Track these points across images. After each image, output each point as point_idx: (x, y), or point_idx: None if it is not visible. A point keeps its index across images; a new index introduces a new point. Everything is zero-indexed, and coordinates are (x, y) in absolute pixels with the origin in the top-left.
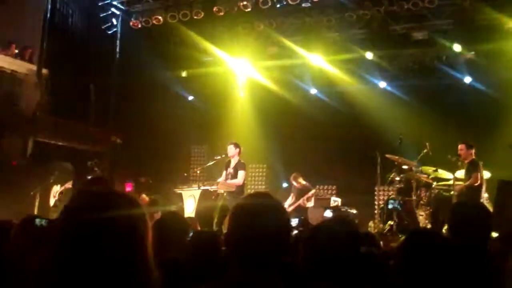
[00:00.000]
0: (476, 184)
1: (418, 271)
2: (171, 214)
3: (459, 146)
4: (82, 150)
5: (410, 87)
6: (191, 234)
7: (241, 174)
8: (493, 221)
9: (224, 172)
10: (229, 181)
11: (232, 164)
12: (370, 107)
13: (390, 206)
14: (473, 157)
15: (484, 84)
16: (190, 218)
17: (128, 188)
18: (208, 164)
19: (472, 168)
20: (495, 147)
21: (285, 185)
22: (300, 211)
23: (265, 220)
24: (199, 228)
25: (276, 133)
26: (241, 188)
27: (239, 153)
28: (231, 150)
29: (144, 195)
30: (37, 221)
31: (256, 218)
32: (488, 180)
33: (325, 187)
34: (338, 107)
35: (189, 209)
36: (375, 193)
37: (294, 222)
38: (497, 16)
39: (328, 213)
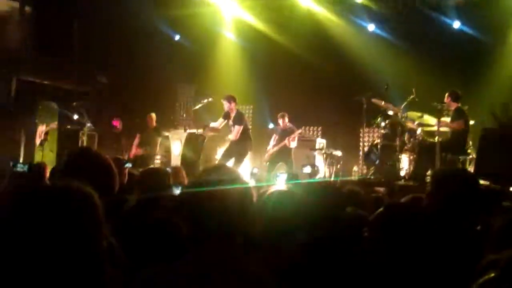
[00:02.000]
0: (461, 130)
1: (393, 244)
2: (152, 172)
3: (446, 94)
4: (67, 90)
5: (398, 30)
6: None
7: (236, 129)
8: (476, 168)
9: (221, 120)
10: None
11: (231, 117)
12: (358, 50)
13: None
14: (458, 105)
15: (473, 29)
16: (175, 168)
17: (115, 124)
18: (195, 108)
19: (457, 115)
20: (483, 93)
21: (271, 126)
22: (284, 152)
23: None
24: (185, 177)
25: (264, 75)
26: (245, 137)
27: (235, 105)
28: (226, 105)
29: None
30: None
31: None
32: (472, 127)
33: (311, 128)
34: (326, 49)
35: (176, 151)
36: (360, 135)
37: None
38: None
39: (307, 170)
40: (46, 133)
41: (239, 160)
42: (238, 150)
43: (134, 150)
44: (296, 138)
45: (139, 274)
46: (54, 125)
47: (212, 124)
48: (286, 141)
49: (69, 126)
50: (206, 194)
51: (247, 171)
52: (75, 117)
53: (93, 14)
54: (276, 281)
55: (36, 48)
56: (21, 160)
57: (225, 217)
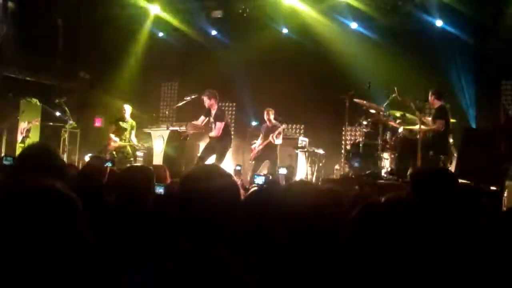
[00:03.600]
0: (442, 130)
1: (371, 245)
2: (134, 170)
3: (430, 93)
4: (50, 86)
5: (381, 29)
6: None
7: (218, 126)
8: (457, 168)
9: (202, 117)
10: (210, 134)
11: (212, 113)
12: (340, 48)
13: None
14: (441, 103)
15: (455, 28)
16: (157, 166)
17: (98, 124)
18: (178, 105)
19: (438, 114)
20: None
21: (254, 123)
22: (270, 149)
23: (214, 194)
24: (167, 176)
25: (246, 72)
26: (226, 133)
27: (216, 101)
28: (206, 102)
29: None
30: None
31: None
32: (453, 125)
33: (293, 126)
34: (309, 47)
35: (158, 149)
36: (343, 133)
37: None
38: None
39: (283, 171)
40: (28, 130)
41: (220, 157)
42: (219, 147)
43: (111, 142)
44: (281, 135)
45: (116, 281)
46: (36, 121)
47: (194, 122)
48: (270, 138)
49: (51, 123)
50: (199, 192)
51: (230, 168)
52: (57, 114)
53: (77, 11)
54: (257, 281)
55: (19, 45)
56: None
57: (217, 217)
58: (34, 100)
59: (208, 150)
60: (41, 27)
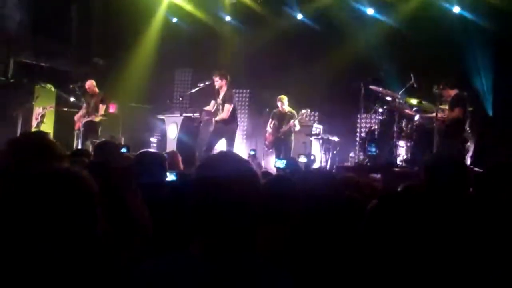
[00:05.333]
0: (459, 119)
1: (388, 238)
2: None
3: (441, 85)
4: (64, 72)
5: (398, 15)
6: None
7: (226, 107)
8: (473, 156)
9: (213, 102)
10: (216, 118)
11: (221, 95)
12: (356, 34)
13: (370, 150)
14: (456, 91)
15: (473, 13)
16: (171, 153)
17: (112, 109)
18: (192, 91)
19: (456, 102)
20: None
21: (267, 110)
22: (286, 135)
23: (230, 188)
24: (180, 163)
25: (261, 59)
26: (233, 116)
27: (227, 83)
28: (217, 82)
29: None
30: None
31: (221, 185)
32: (470, 113)
33: (303, 111)
34: (324, 33)
35: (171, 135)
36: (358, 120)
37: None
38: None
39: (303, 159)
40: (43, 115)
41: (231, 141)
42: (228, 130)
43: (77, 120)
44: (297, 121)
45: (139, 266)
46: (51, 107)
47: (207, 108)
48: (291, 124)
49: (65, 109)
50: (220, 182)
51: (244, 153)
52: (72, 99)
53: None
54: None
55: (34, 30)
56: None
57: (238, 208)
58: (49, 86)
59: (216, 135)
60: (55, 13)
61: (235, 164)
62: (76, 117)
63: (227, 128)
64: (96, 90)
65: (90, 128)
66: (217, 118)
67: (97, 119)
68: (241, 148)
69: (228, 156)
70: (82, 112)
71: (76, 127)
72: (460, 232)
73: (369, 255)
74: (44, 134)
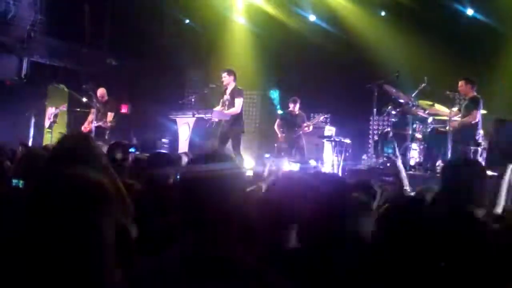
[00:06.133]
0: (474, 122)
1: (400, 245)
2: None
3: (460, 83)
4: (77, 72)
5: (411, 17)
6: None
7: (238, 102)
8: (487, 159)
9: (221, 100)
10: (226, 111)
11: (228, 90)
12: (369, 36)
13: (387, 151)
14: (474, 93)
15: (487, 16)
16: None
17: (124, 110)
18: (204, 92)
19: (472, 105)
20: (496, 82)
21: (279, 112)
22: (298, 137)
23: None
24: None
25: (273, 60)
26: (238, 115)
27: (234, 79)
28: (225, 78)
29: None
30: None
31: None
32: (483, 116)
33: (320, 115)
34: (337, 35)
35: (183, 136)
36: (370, 123)
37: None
38: None
39: (312, 162)
40: (55, 115)
41: (237, 142)
42: (233, 131)
43: (87, 125)
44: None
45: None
46: (63, 107)
47: (216, 108)
48: (305, 127)
49: (78, 109)
50: (205, 179)
51: (256, 156)
52: (84, 99)
53: None
54: (274, 273)
55: (47, 30)
56: (30, 143)
57: (223, 204)
58: (62, 86)
59: (223, 138)
60: (68, 13)
61: (216, 163)
62: (85, 124)
63: (233, 127)
64: (106, 97)
65: (98, 133)
66: (229, 111)
67: (106, 125)
68: (252, 149)
69: (210, 156)
70: (90, 117)
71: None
72: (478, 239)
73: (379, 261)
74: (86, 137)
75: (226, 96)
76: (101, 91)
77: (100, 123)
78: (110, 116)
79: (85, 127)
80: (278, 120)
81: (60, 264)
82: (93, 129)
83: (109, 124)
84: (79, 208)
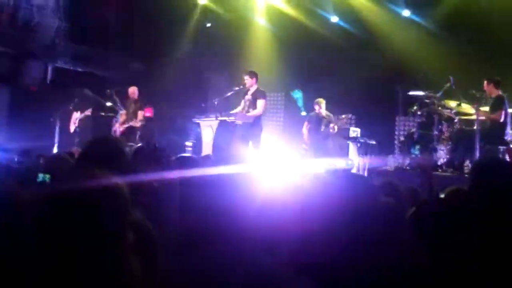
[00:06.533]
0: (501, 121)
1: (432, 247)
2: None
3: (485, 83)
4: (102, 77)
5: (435, 17)
6: None
7: (260, 103)
8: None
9: (242, 101)
10: (249, 114)
11: (250, 92)
12: (393, 36)
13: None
14: (499, 92)
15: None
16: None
17: (148, 114)
18: (227, 95)
19: (497, 104)
20: None
21: (303, 113)
22: (324, 140)
23: None
24: None
25: (296, 62)
26: (258, 118)
27: (256, 81)
28: (247, 80)
29: None
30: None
31: None
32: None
33: (344, 116)
34: (360, 36)
35: (207, 139)
36: (396, 123)
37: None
38: None
39: (341, 163)
40: (81, 120)
41: (257, 144)
42: (254, 132)
43: (119, 129)
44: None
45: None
46: (88, 112)
47: (236, 110)
48: (331, 129)
49: (102, 113)
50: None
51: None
52: (109, 104)
53: (128, 2)
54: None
55: (72, 36)
56: (55, 147)
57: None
58: (86, 91)
59: (243, 139)
60: (93, 19)
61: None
62: (116, 126)
63: (253, 129)
64: (137, 96)
65: (129, 134)
66: (252, 113)
67: (137, 124)
68: (277, 150)
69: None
70: (122, 119)
71: (117, 135)
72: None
73: (410, 265)
74: (114, 140)
75: (248, 97)
76: (132, 89)
77: (131, 123)
78: (140, 114)
79: (116, 129)
80: (306, 122)
81: (79, 266)
82: (120, 131)
83: (139, 124)
84: (97, 213)
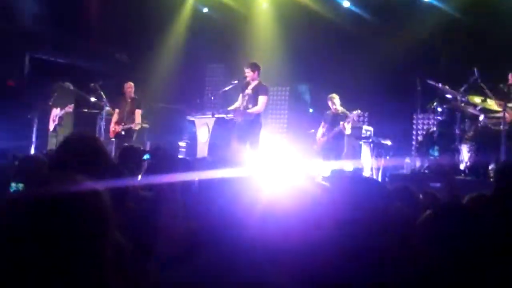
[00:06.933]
0: None
1: (446, 256)
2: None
3: (510, 75)
4: (84, 69)
5: (458, 3)
6: None
7: (262, 100)
8: None
9: (241, 95)
10: (249, 110)
11: (251, 86)
12: (411, 24)
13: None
14: None
15: None
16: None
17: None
18: (224, 89)
19: None
20: None
21: (310, 110)
22: (337, 138)
23: None
24: None
25: (302, 54)
26: (258, 115)
27: (259, 74)
28: (248, 73)
29: None
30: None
31: None
32: None
33: (352, 112)
34: (373, 22)
35: (202, 139)
36: (413, 121)
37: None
38: None
39: (349, 167)
40: (61, 117)
41: (255, 144)
42: (252, 131)
43: (114, 129)
44: (350, 123)
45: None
46: (69, 108)
47: (234, 106)
48: (341, 126)
49: (86, 110)
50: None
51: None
52: (93, 99)
53: None
54: None
55: (52, 24)
56: (33, 147)
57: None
58: (67, 84)
59: (241, 138)
60: (75, 5)
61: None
62: (112, 125)
63: (251, 128)
64: (133, 93)
65: (126, 135)
66: (252, 110)
67: (137, 127)
68: (280, 146)
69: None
70: (115, 118)
71: (112, 136)
72: None
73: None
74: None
75: (248, 91)
76: (129, 85)
77: (131, 125)
78: (138, 114)
79: (112, 129)
80: (322, 122)
81: (58, 281)
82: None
83: (138, 127)
84: (75, 224)
